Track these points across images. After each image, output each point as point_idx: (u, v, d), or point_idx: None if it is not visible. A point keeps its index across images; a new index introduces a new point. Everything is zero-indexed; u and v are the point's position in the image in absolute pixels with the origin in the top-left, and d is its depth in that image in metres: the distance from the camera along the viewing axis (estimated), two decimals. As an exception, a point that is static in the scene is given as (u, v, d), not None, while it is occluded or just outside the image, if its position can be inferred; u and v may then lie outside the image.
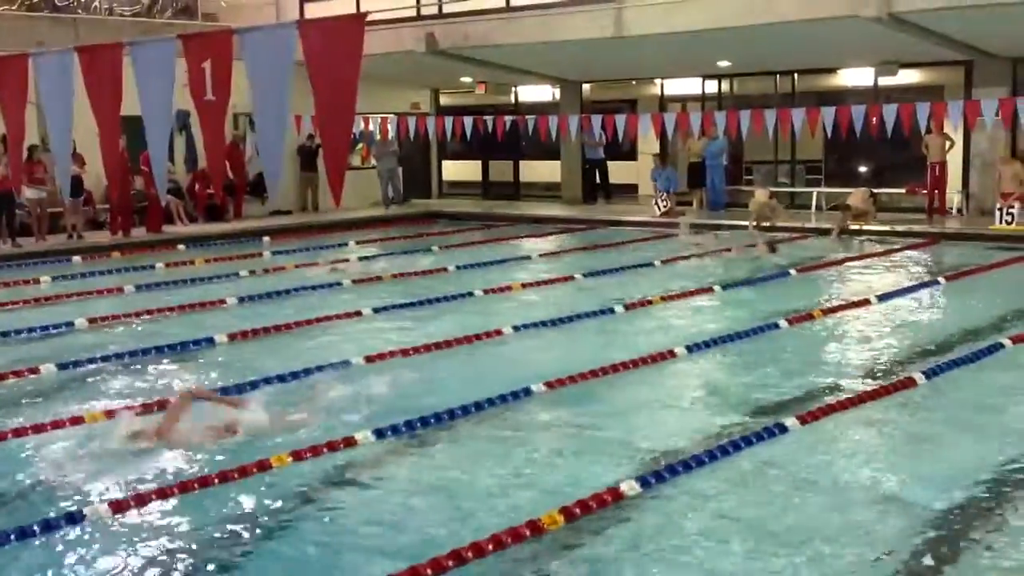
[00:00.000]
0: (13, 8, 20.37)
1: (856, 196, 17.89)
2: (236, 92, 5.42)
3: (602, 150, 22.62)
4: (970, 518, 5.25)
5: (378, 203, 22.67)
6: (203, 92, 5.36)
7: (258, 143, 7.49)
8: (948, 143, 18.41)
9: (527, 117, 19.22)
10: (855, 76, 20.71)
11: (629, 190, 24.17)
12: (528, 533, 4.98)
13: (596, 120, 17.97)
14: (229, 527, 5.28)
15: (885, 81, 19.87)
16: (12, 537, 5.06)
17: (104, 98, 6.22)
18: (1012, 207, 16.71)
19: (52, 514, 5.30)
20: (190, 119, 17.82)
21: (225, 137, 15.69)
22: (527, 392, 7.47)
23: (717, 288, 12.13)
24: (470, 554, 4.74)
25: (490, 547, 4.82)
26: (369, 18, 5.81)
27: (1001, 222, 16.77)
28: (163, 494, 5.58)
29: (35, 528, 5.14)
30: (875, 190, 18.60)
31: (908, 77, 19.96)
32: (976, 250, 15.30)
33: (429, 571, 4.56)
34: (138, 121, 5.99)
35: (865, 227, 17.31)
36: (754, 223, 17.72)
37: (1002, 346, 8.83)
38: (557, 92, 24.08)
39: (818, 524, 5.21)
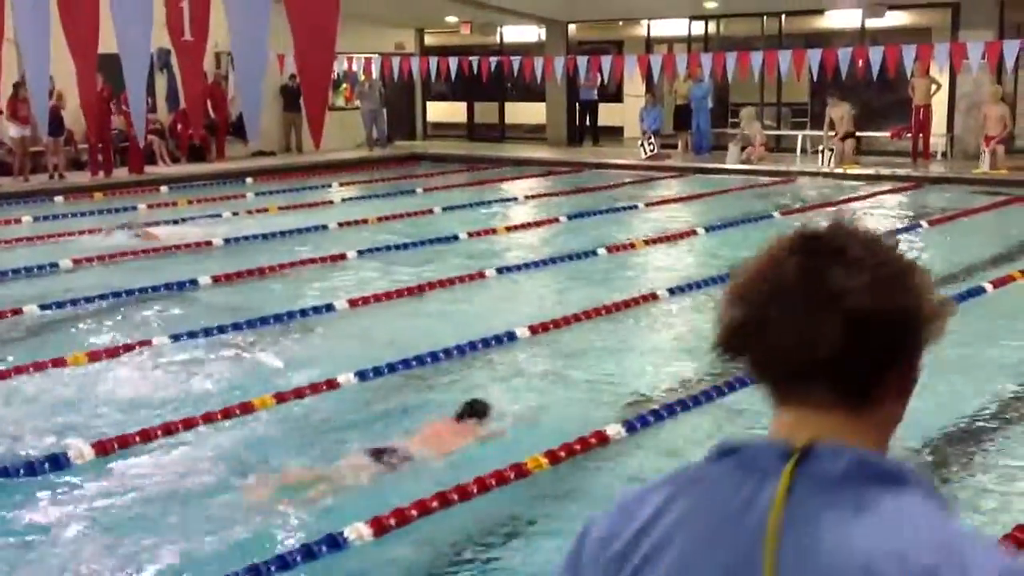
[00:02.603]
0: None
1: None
2: (218, 31, 5.33)
3: (595, 91, 22.46)
4: (945, 458, 5.31)
5: (362, 144, 22.50)
6: (181, 31, 5.28)
7: (237, 83, 7.38)
8: (934, 86, 18.34)
9: (512, 58, 19.04)
10: (842, 18, 20.57)
11: (615, 132, 24.05)
12: (513, 476, 5.01)
13: (582, 61, 17.83)
14: (212, 466, 5.31)
15: (872, 23, 19.74)
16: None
17: (81, 35, 6.12)
18: (996, 150, 16.71)
19: (35, 454, 5.30)
20: (171, 58, 17.60)
21: (204, 77, 15.53)
22: (511, 336, 7.48)
23: (701, 231, 12.13)
24: (455, 496, 4.78)
25: (474, 489, 4.85)
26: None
27: (985, 166, 16.77)
28: (147, 436, 5.59)
29: (19, 469, 5.15)
30: (859, 134, 18.63)
31: (895, 19, 19.82)
32: (959, 194, 15.32)
33: (414, 511, 4.60)
34: (118, 59, 5.88)
35: (848, 159, 17.35)
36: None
37: (983, 290, 8.87)
38: (543, 33, 23.83)
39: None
